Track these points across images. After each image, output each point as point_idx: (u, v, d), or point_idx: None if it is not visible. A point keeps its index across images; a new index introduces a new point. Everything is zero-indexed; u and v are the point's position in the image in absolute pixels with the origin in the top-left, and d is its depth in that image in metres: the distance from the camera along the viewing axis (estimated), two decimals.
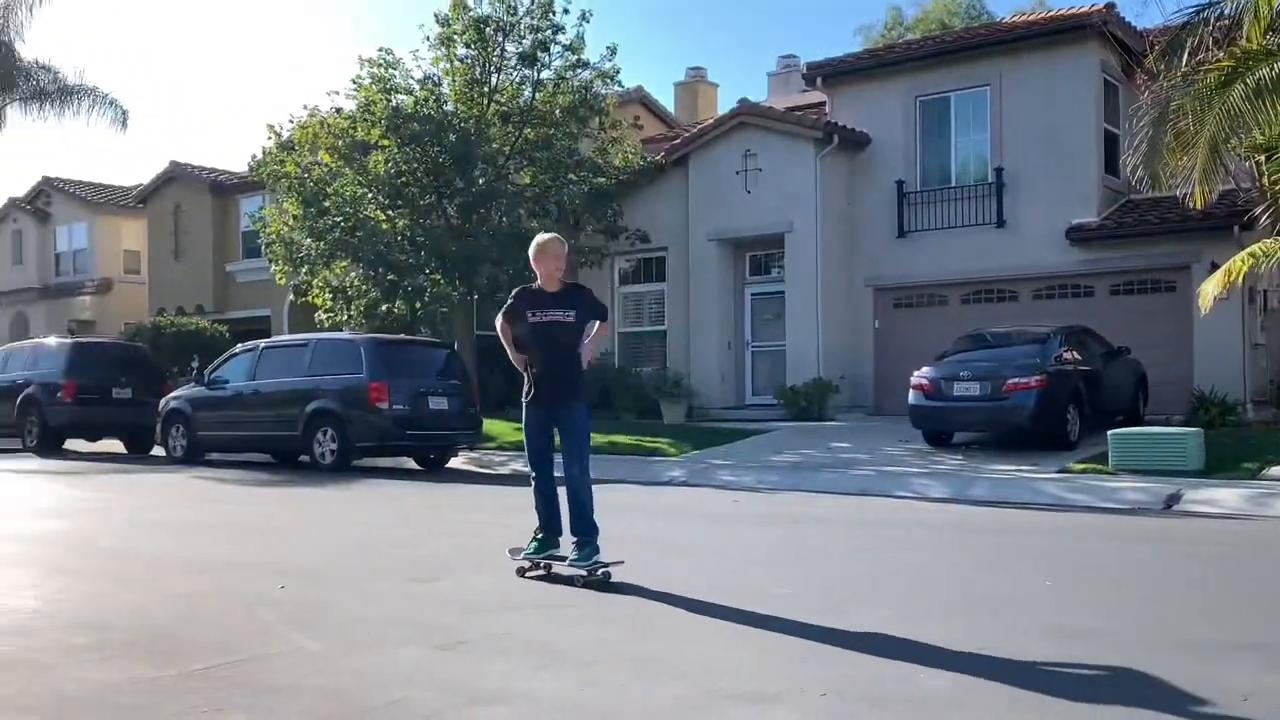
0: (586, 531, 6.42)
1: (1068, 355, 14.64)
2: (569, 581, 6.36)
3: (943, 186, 19.42)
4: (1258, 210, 15.22)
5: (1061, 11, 19.43)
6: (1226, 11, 13.97)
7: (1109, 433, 12.96)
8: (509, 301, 6.65)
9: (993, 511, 10.40)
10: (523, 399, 6.63)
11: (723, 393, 20.40)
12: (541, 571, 6.56)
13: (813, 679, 4.37)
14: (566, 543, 6.57)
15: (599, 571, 6.28)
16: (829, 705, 4.04)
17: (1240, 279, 13.53)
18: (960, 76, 19.18)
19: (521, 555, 6.64)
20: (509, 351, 6.70)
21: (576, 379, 6.61)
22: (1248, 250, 13.33)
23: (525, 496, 12.25)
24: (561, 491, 6.58)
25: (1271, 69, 12.47)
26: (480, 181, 19.81)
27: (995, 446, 14.66)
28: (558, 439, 6.70)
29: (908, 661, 4.60)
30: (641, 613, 5.63)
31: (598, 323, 6.74)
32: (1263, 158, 13.90)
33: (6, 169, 76.98)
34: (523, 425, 6.67)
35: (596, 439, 16.53)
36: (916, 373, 14.82)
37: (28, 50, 30.08)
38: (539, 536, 6.62)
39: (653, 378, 20.29)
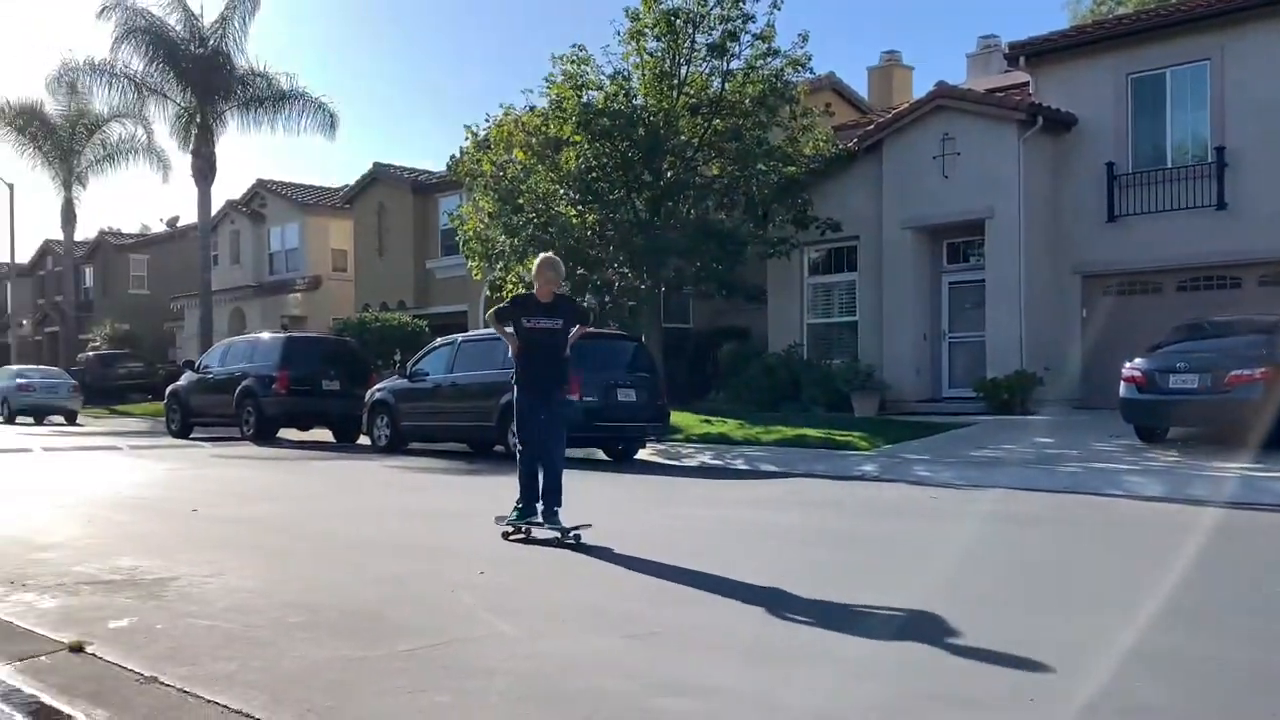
0: (558, 500, 7.60)
1: None
2: (547, 543, 7.42)
3: (1157, 168, 18.27)
4: None
5: None
6: None
7: None
8: (504, 305, 8.01)
9: (1213, 512, 9.68)
10: (513, 382, 7.89)
11: (917, 385, 19.83)
12: (522, 535, 7.63)
13: (1020, 684, 4.15)
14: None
15: (571, 535, 7.32)
16: (1037, 712, 3.82)
17: None
18: (1177, 51, 17.98)
19: (505, 522, 7.74)
20: (507, 340, 8.10)
21: (562, 374, 7.90)
22: None
23: (716, 488, 12.21)
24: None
25: None
26: (668, 174, 19.90)
27: (1214, 443, 13.68)
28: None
29: (1125, 670, 4.31)
30: (838, 611, 5.49)
31: (578, 325, 8.02)
32: None
33: (225, 173, 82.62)
34: (515, 406, 7.87)
35: (785, 432, 16.50)
36: (1128, 364, 13.99)
37: (243, 59, 32.14)
38: (519, 506, 7.73)
39: (843, 370, 19.91)
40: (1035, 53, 19.58)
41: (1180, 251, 17.64)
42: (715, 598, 5.84)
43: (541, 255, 8.05)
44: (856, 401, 19.19)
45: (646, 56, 20.29)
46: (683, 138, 20.02)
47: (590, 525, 7.45)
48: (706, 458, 15.51)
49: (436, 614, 5.39)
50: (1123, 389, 13.96)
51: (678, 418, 17.50)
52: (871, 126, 21.17)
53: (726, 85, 20.15)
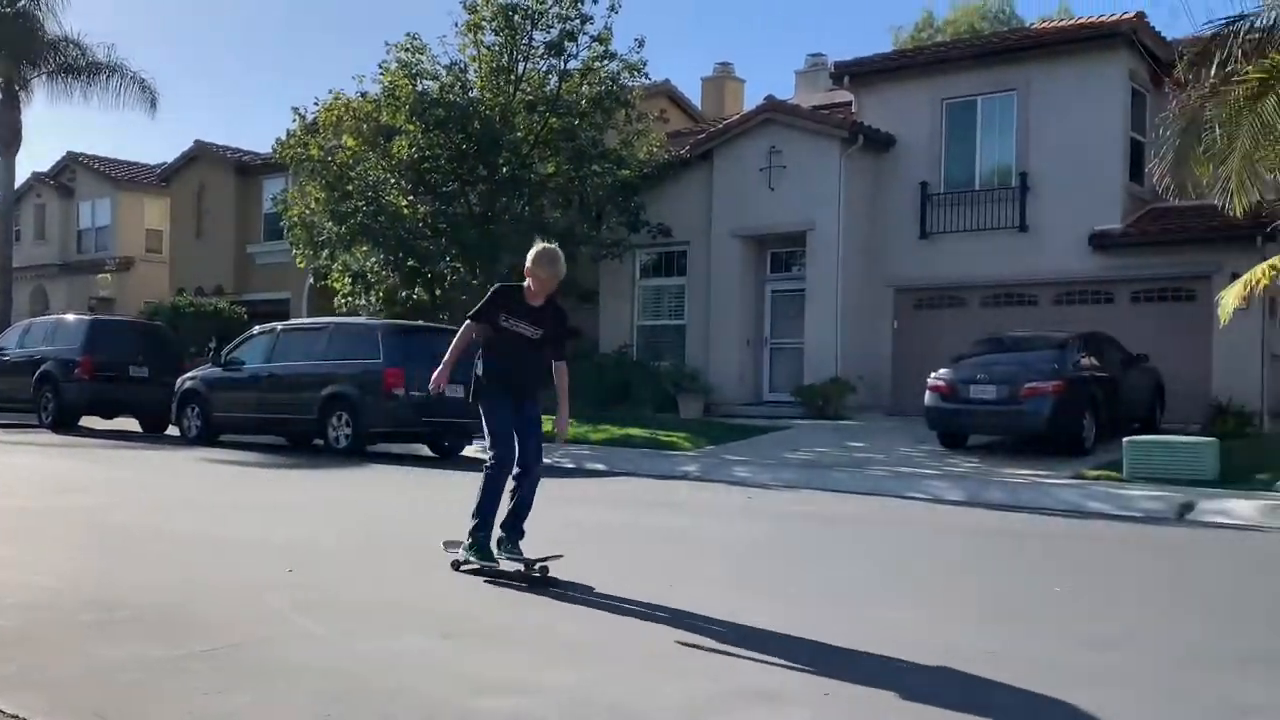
0: (521, 529, 6.26)
1: (1086, 361, 14.57)
2: (509, 577, 6.09)
3: (966, 189, 19.32)
4: None
5: (1092, 19, 19.27)
6: (1257, 24, 13.88)
7: (1124, 440, 12.89)
8: (485, 302, 6.30)
9: (1007, 516, 10.35)
10: (476, 388, 6.32)
11: (740, 389, 20.37)
12: (476, 567, 6.24)
13: (818, 678, 4.36)
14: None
15: (537, 567, 6.08)
16: (831, 706, 4.03)
17: (1261, 290, 13.43)
18: (987, 80, 19.06)
19: (460, 551, 6.33)
20: (451, 352, 6.36)
21: (535, 387, 6.37)
22: (1269, 262, 13.23)
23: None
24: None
25: None
26: (503, 169, 19.83)
27: (1010, 450, 14.60)
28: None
29: (917, 664, 4.58)
30: (649, 608, 5.61)
31: (561, 345, 6.40)
32: None
33: (32, 144, 77.29)
34: (483, 411, 6.28)
35: (612, 431, 16.71)
36: (934, 374, 14.77)
37: (55, 24, 30.17)
38: (478, 534, 6.21)
39: (670, 372, 20.28)
40: (859, 73, 20.41)
41: (984, 269, 18.70)
42: (526, 596, 5.89)
43: (542, 245, 6.28)
44: (682, 403, 19.58)
45: (484, 50, 20.18)
46: (519, 134, 19.98)
47: (561, 556, 6.20)
48: None
49: (241, 613, 5.26)
50: (928, 397, 14.75)
51: None
52: (703, 135, 21.63)
53: (563, 84, 20.23)
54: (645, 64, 20.49)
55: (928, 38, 35.84)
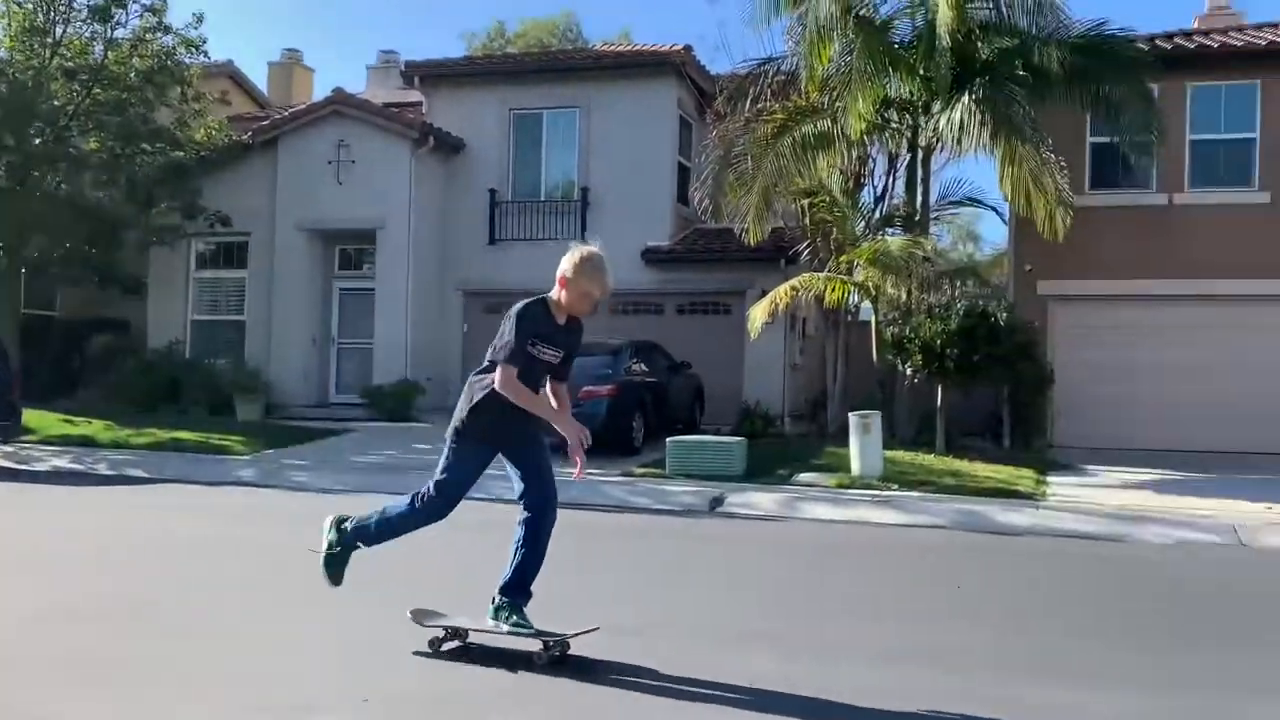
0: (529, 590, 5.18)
1: (637, 367, 15.70)
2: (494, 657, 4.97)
3: (533, 199, 20.11)
4: (801, 246, 17.29)
5: (647, 47, 20.81)
6: (784, 67, 15.76)
7: (667, 440, 14.04)
8: (518, 337, 4.99)
9: (561, 513, 10.88)
10: (463, 428, 5.19)
11: (305, 390, 19.75)
12: (460, 642, 5.14)
13: (360, 685, 4.42)
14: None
15: (556, 646, 5.01)
16: (370, 711, 4.11)
17: (783, 307, 15.24)
18: (553, 95, 19.97)
19: (425, 621, 5.18)
20: (551, 414, 5.21)
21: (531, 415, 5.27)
22: (790, 283, 15.05)
23: (65, 496, 11.20)
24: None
25: (814, 125, 14.27)
26: (36, 141, 17.85)
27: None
28: None
29: (464, 661, 4.77)
30: (183, 622, 5.39)
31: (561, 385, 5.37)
32: (806, 201, 15.85)
33: None
34: (456, 444, 5.20)
35: (158, 435, 15.58)
36: None
37: None
38: (349, 545, 5.19)
39: (228, 371, 19.23)
40: (430, 75, 20.59)
41: (549, 277, 19.23)
42: (57, 616, 5.45)
43: (586, 249, 5.18)
44: (240, 405, 18.63)
45: (14, 7, 18.03)
46: (55, 103, 18.06)
47: (597, 628, 5.19)
48: (63, 462, 14.15)
49: None
50: None
51: (34, 417, 15.75)
52: (268, 122, 20.76)
53: (110, 54, 18.55)
54: (205, 41, 19.28)
55: (499, 48, 36.74)
